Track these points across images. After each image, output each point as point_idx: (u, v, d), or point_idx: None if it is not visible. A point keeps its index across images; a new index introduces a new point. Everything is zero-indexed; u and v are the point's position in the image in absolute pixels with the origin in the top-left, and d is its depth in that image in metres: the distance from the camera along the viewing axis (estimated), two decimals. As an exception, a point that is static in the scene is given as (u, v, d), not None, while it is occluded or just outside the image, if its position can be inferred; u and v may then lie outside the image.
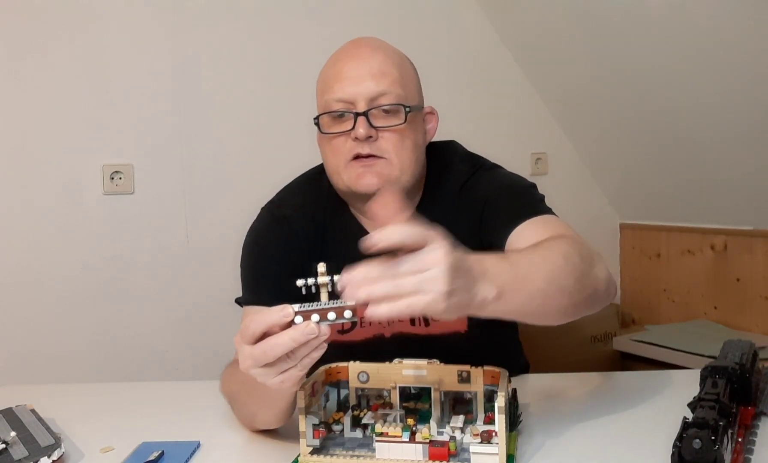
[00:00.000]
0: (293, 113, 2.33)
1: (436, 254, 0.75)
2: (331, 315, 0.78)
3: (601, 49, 2.48)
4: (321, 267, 0.80)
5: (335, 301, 0.79)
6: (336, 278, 0.79)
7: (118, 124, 2.23)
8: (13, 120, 2.11)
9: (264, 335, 0.79)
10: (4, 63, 2.10)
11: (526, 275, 0.88)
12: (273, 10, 2.40)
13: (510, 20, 2.73)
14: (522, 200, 1.16)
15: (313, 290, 0.80)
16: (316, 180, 1.26)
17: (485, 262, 0.83)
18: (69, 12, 2.15)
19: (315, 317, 0.78)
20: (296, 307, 0.78)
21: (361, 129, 1.10)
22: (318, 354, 0.81)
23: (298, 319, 0.78)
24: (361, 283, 0.75)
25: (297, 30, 2.43)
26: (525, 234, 1.07)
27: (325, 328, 0.78)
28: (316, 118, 1.16)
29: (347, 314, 0.78)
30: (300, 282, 0.80)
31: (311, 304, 0.79)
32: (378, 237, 0.75)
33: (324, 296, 0.80)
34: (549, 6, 2.52)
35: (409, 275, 0.75)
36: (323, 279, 0.80)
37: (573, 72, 2.67)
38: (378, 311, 0.75)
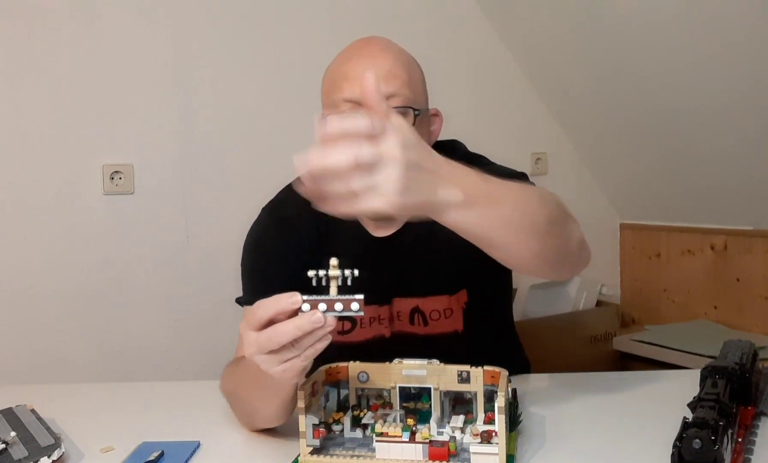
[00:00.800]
0: (293, 113, 2.34)
1: (392, 151, 0.72)
2: (338, 306, 0.78)
3: (602, 49, 2.48)
4: (333, 261, 0.80)
5: (343, 295, 0.79)
6: (347, 272, 0.79)
7: (118, 124, 2.23)
8: (13, 120, 2.12)
9: (270, 322, 0.79)
10: (4, 63, 2.10)
11: (499, 196, 0.86)
12: (274, 10, 2.40)
13: (510, 20, 2.74)
14: None
15: (324, 282, 0.80)
16: None
17: (456, 167, 0.81)
18: (69, 12, 2.15)
19: (322, 306, 0.78)
20: (304, 296, 0.78)
21: None
22: (322, 346, 0.80)
23: (306, 307, 0.78)
24: (315, 175, 0.71)
25: (298, 31, 2.43)
26: None
27: (331, 318, 0.78)
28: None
29: (354, 306, 0.78)
30: (311, 273, 0.80)
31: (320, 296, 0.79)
32: (319, 141, 0.71)
33: (333, 289, 0.80)
34: (549, 6, 2.52)
35: (364, 172, 0.71)
36: (335, 272, 0.80)
37: (573, 72, 2.68)
38: (331, 208, 0.73)
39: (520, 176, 1.20)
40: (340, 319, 0.80)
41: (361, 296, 0.78)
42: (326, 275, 0.80)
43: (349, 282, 0.79)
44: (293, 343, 0.79)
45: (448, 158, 0.81)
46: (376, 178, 0.72)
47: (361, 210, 0.73)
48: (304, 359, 0.81)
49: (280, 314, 0.79)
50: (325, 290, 0.80)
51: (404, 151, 0.73)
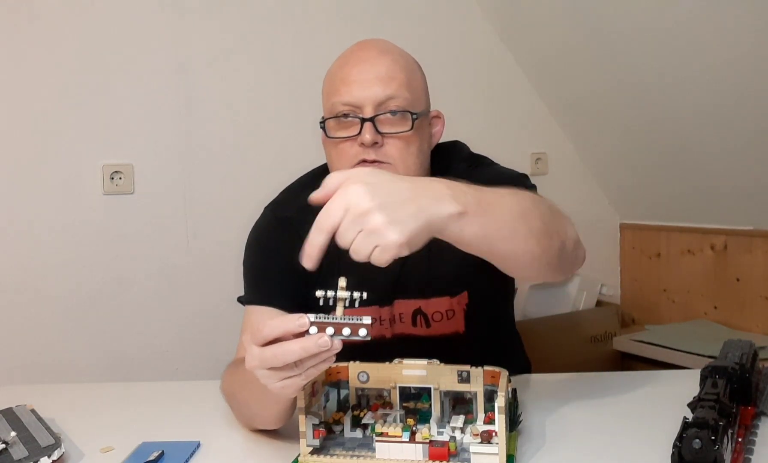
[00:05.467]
0: (295, 112, 2.34)
1: (360, 206, 0.75)
2: (346, 331, 0.78)
3: (602, 50, 2.48)
4: (342, 281, 0.80)
5: (350, 317, 0.78)
6: (356, 294, 0.79)
7: (118, 124, 2.23)
8: (13, 120, 2.11)
9: (275, 340, 0.79)
10: (4, 62, 2.10)
11: (493, 202, 0.87)
12: (275, 11, 2.40)
13: (511, 21, 2.73)
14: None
15: (331, 302, 0.80)
16: (318, 181, 1.25)
17: (439, 182, 0.82)
18: (69, 11, 2.15)
19: (329, 330, 0.77)
20: (312, 317, 0.78)
21: (368, 135, 1.09)
22: (325, 366, 0.81)
23: (313, 330, 0.78)
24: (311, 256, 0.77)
25: (300, 31, 2.42)
26: None
27: (337, 342, 0.78)
28: (323, 121, 1.16)
29: (362, 331, 0.78)
30: (319, 293, 0.80)
31: (327, 316, 0.78)
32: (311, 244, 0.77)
33: (339, 310, 0.79)
34: (550, 7, 2.52)
35: (354, 234, 0.75)
36: (343, 293, 0.79)
37: (573, 72, 2.67)
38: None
39: (521, 178, 1.20)
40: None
41: (369, 321, 0.78)
42: (334, 296, 0.79)
43: (357, 304, 0.79)
44: (296, 362, 0.78)
45: (430, 177, 0.82)
46: (373, 237, 0.74)
47: (382, 261, 0.76)
48: (305, 377, 0.81)
49: (286, 334, 0.78)
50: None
51: (372, 197, 0.75)
